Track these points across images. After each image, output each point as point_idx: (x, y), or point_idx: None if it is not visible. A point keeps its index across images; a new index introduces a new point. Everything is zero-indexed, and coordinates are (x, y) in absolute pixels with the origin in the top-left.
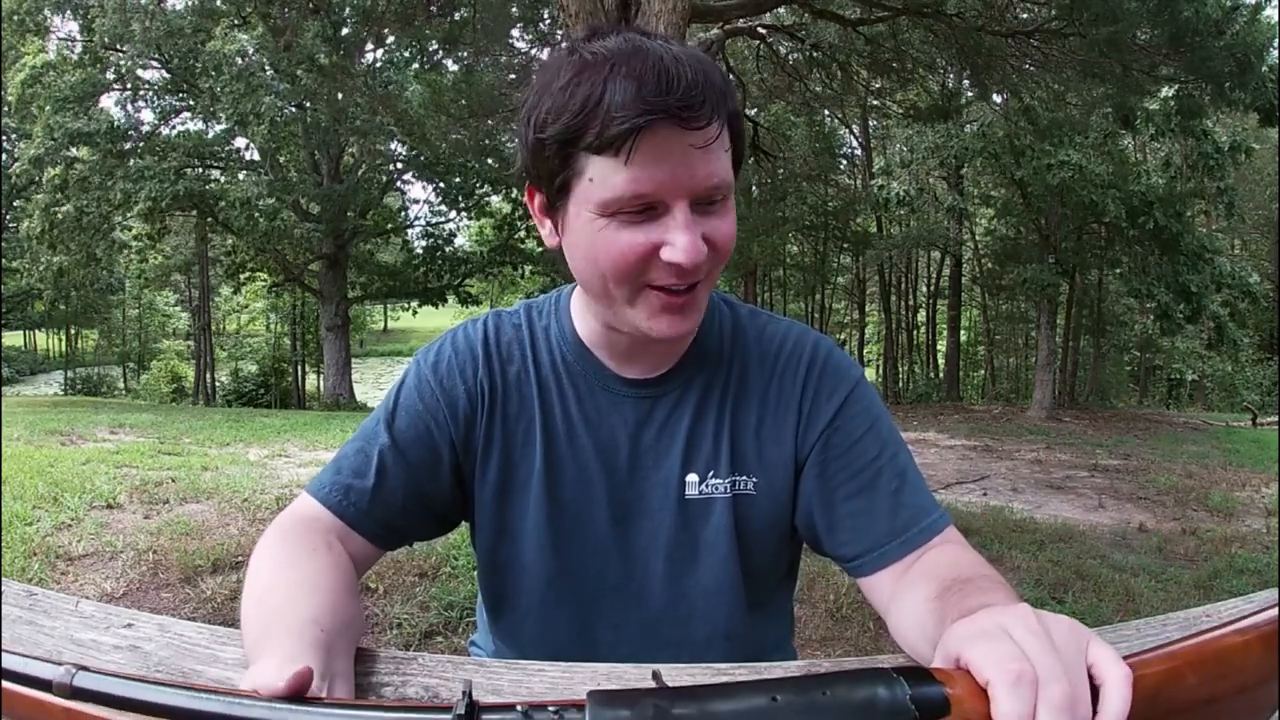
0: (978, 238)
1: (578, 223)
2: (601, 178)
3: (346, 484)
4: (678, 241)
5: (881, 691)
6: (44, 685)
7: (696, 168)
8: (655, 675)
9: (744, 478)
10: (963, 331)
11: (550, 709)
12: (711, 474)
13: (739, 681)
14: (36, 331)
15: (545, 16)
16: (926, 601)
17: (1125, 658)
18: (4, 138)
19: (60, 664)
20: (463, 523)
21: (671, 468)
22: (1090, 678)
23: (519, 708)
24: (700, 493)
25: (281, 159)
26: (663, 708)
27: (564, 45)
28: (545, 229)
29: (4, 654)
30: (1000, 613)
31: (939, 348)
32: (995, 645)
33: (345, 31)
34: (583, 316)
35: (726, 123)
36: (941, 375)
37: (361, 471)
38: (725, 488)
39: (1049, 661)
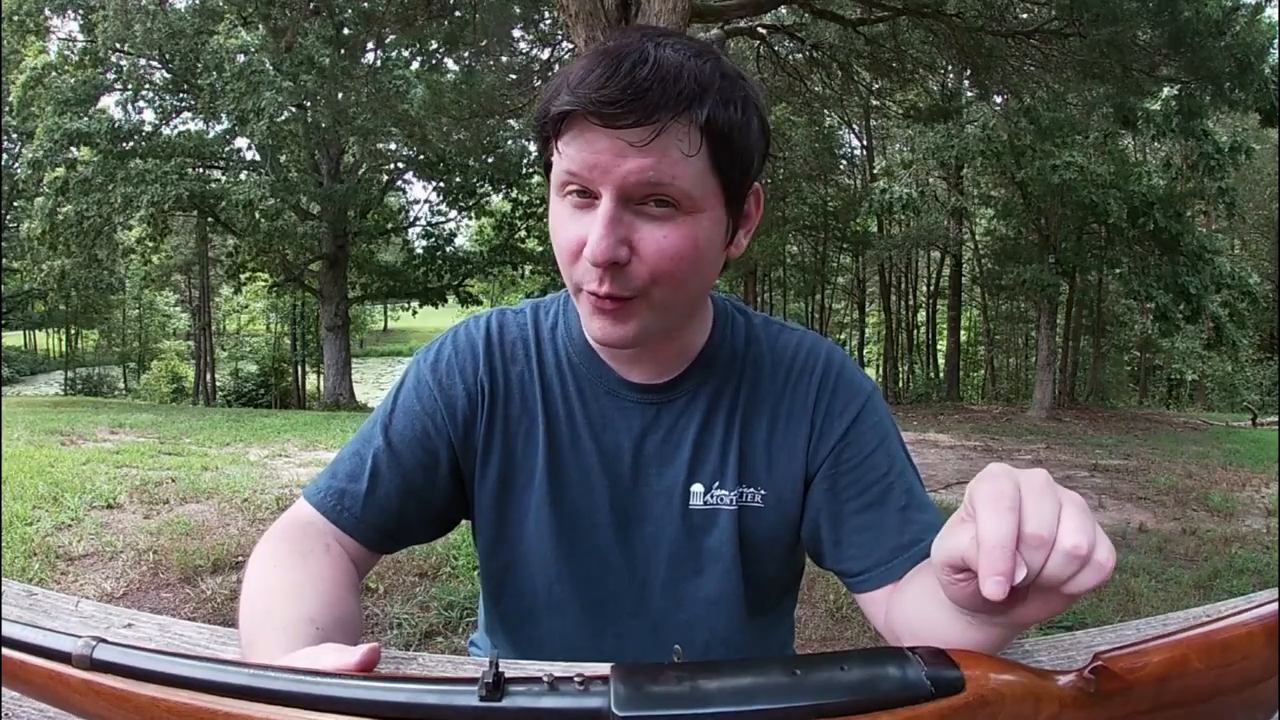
0: (978, 238)
1: (551, 203)
2: (556, 159)
3: (341, 489)
4: (591, 235)
5: (898, 669)
6: (63, 657)
7: (626, 160)
8: (676, 652)
9: (751, 489)
10: (963, 331)
11: (576, 680)
12: (717, 485)
13: (759, 657)
14: (36, 331)
15: (545, 17)
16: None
17: (1129, 646)
18: (5, 138)
19: (79, 636)
20: (463, 522)
21: (675, 476)
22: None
23: (545, 679)
24: (705, 503)
25: (282, 159)
26: (686, 679)
27: None
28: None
29: (20, 627)
30: (1018, 470)
31: (939, 348)
32: (998, 482)
33: (346, 32)
34: None
35: (699, 130)
36: (941, 375)
37: (356, 476)
38: (731, 499)
39: (1043, 506)
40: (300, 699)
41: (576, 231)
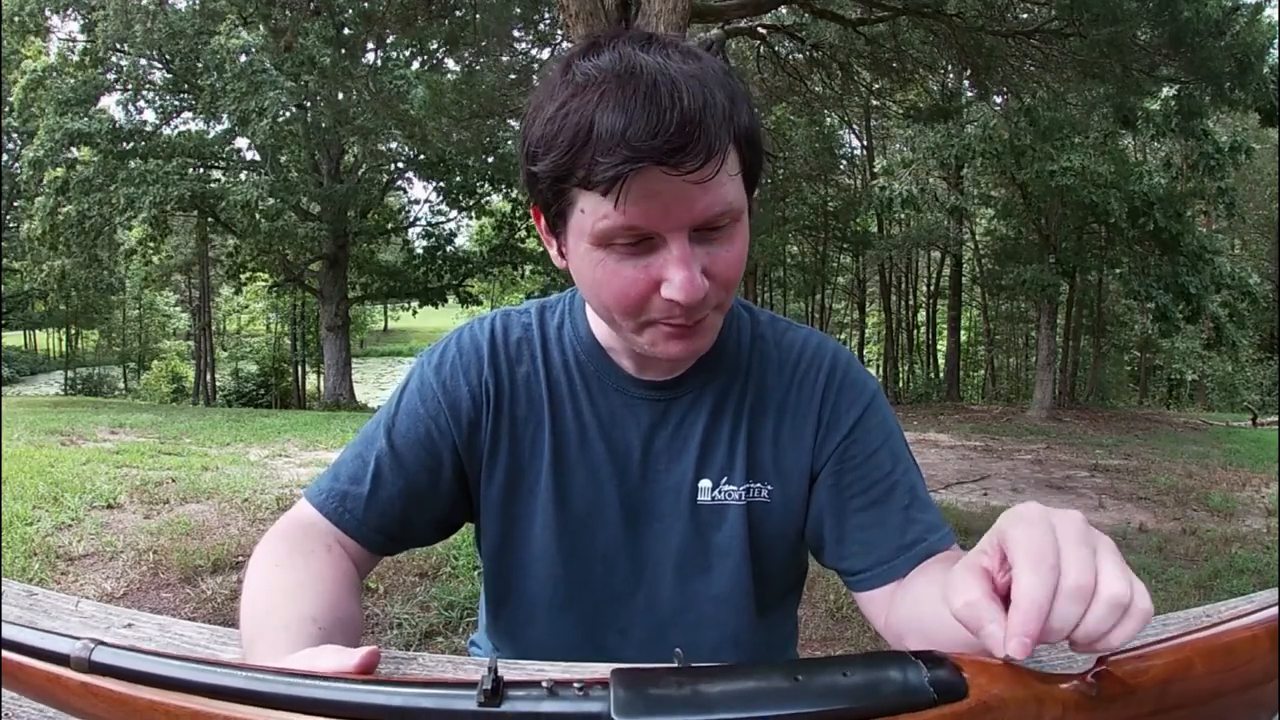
0: (978, 238)
1: (577, 252)
2: (593, 211)
3: (343, 490)
4: (674, 278)
5: (900, 674)
6: (61, 660)
7: (694, 201)
8: (678, 655)
9: (759, 485)
10: (963, 331)
11: (575, 685)
12: (725, 480)
13: (761, 662)
14: (36, 331)
15: (545, 17)
16: (944, 572)
17: (1133, 650)
18: (5, 138)
19: (77, 638)
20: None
21: (684, 472)
22: None
23: (544, 684)
24: (713, 499)
25: (282, 159)
26: (687, 684)
27: (559, 61)
28: (552, 250)
29: (18, 629)
30: (1052, 511)
31: (939, 348)
32: (1036, 530)
33: (346, 32)
34: (597, 317)
35: (735, 144)
36: (941, 375)
37: (358, 478)
38: (740, 495)
39: (1081, 555)
40: (297, 703)
41: (640, 274)
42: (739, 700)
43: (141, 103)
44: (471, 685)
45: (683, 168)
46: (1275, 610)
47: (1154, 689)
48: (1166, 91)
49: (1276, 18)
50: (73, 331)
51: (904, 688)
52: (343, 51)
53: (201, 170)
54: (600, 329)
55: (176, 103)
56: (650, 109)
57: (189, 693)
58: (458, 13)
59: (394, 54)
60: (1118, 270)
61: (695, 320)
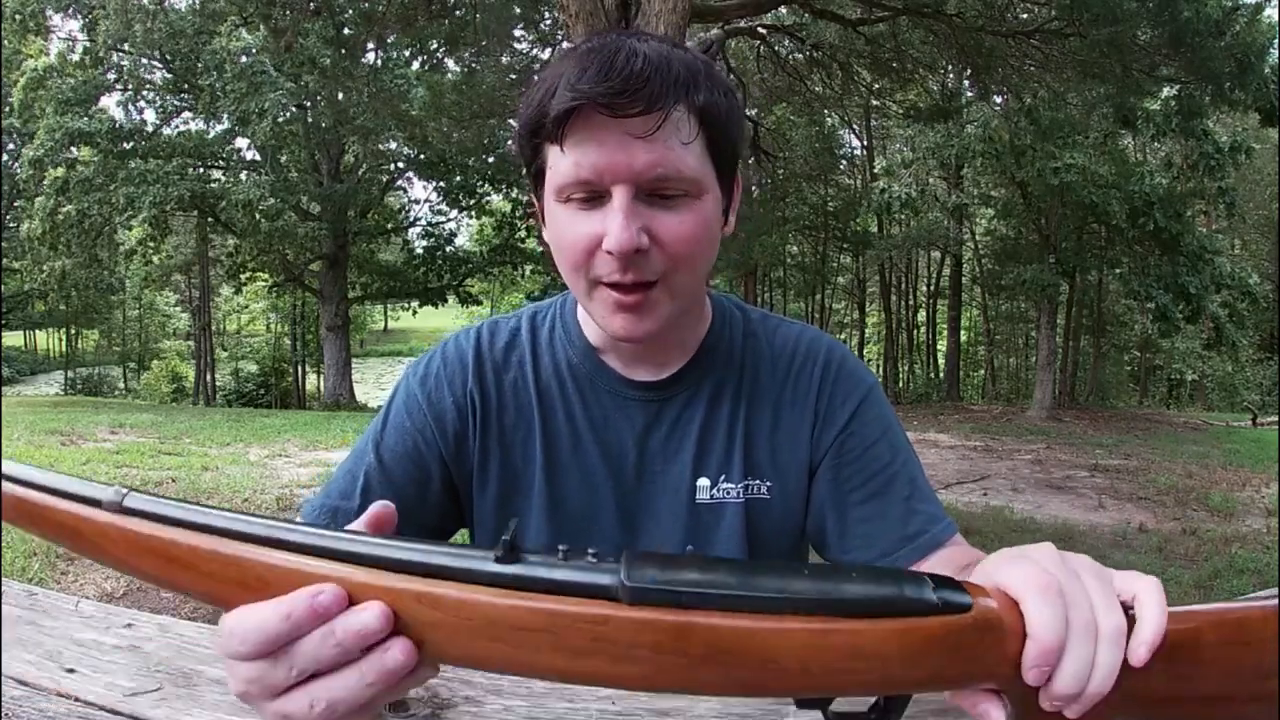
0: (978, 238)
1: (548, 212)
2: (553, 164)
3: (334, 506)
4: (611, 227)
5: (909, 582)
6: (94, 503)
7: (636, 154)
8: (689, 551)
9: (757, 482)
10: (963, 331)
11: (589, 554)
12: (723, 478)
13: (771, 561)
14: (36, 331)
15: (545, 17)
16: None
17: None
18: (5, 138)
19: (110, 485)
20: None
21: (681, 472)
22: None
23: (559, 551)
24: (711, 497)
25: (282, 159)
26: (696, 565)
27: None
28: (541, 223)
29: (49, 474)
30: (1027, 547)
31: (939, 348)
32: (1025, 565)
33: (347, 32)
34: (588, 319)
35: (696, 115)
36: (941, 375)
37: (348, 493)
38: (738, 492)
39: (1074, 584)
40: (321, 551)
41: (587, 229)
42: (747, 579)
43: (141, 103)
44: (489, 550)
45: (619, 111)
46: (1273, 603)
47: (1160, 654)
48: (1166, 91)
49: (1276, 18)
50: (73, 331)
51: (909, 592)
52: (343, 51)
53: (201, 170)
54: (591, 329)
55: (176, 103)
56: (604, 64)
57: (220, 536)
58: (458, 13)
59: (394, 54)
60: (1118, 270)
61: (637, 283)
